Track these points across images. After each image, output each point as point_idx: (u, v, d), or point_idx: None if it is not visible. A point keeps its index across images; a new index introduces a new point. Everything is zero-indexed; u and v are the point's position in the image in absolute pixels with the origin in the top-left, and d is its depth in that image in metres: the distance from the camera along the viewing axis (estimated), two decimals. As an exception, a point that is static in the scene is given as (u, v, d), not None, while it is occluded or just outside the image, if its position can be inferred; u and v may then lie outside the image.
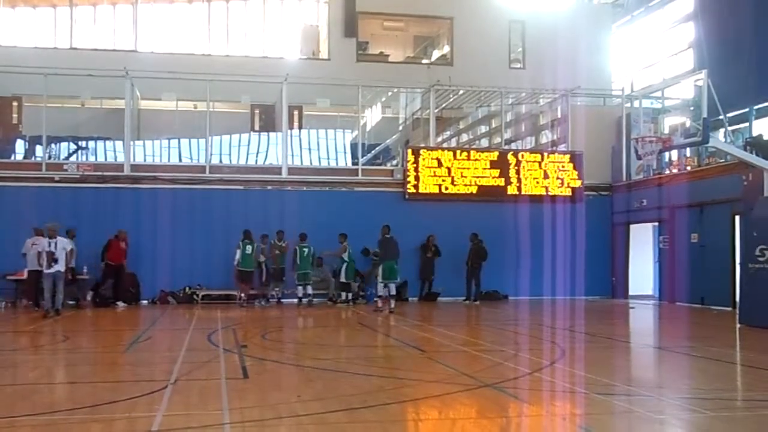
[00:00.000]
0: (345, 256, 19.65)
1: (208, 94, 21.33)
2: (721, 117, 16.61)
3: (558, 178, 22.14)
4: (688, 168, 20.87)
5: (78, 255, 18.29)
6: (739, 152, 16.29)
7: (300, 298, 19.56)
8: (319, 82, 22.76)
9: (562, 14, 26.47)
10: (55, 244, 16.03)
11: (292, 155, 23.02)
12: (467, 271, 20.77)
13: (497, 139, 25.03)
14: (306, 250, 19.53)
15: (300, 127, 25.33)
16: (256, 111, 25.62)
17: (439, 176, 21.51)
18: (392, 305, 17.65)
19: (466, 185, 21.60)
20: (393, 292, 17.92)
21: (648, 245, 22.04)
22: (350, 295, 19.93)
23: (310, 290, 19.64)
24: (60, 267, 15.99)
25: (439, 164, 21.56)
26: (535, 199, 21.72)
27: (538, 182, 22.00)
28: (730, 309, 17.05)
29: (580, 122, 22.85)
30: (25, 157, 23.00)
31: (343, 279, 19.74)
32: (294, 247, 19.56)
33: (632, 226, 22.32)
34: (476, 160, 21.90)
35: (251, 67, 22.57)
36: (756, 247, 14.00)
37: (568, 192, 22.13)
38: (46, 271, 15.92)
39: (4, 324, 15.52)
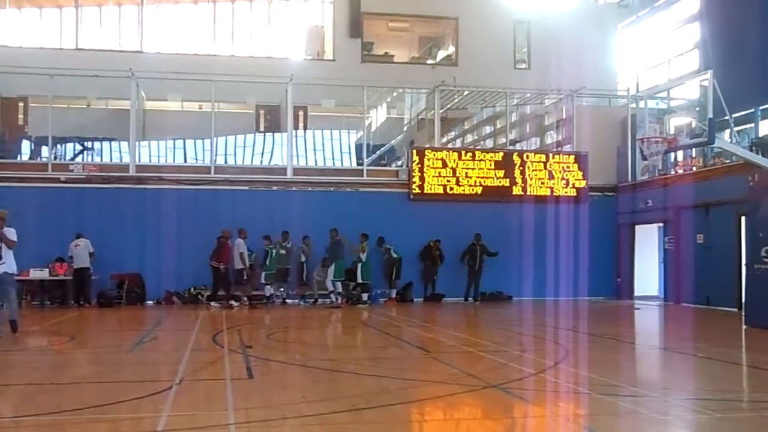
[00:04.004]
0: (363, 257, 19.65)
1: (213, 95, 21.35)
2: (726, 117, 16.53)
3: (563, 178, 22.11)
4: (694, 168, 20.81)
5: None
6: (744, 153, 16.22)
7: (268, 298, 19.70)
8: (324, 82, 22.82)
9: (567, 15, 26.45)
10: None
11: (297, 156, 23.06)
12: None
13: (502, 140, 25.00)
14: (274, 251, 19.64)
15: (305, 128, 25.39)
16: (261, 111, 25.69)
17: (444, 177, 21.50)
18: (338, 301, 19.16)
19: (470, 186, 21.59)
20: (339, 289, 19.31)
21: (653, 246, 21.99)
22: (366, 296, 19.79)
23: (274, 290, 19.73)
24: (8, 268, 12.21)
25: (444, 165, 21.55)
26: (540, 199, 21.70)
27: (543, 183, 21.97)
28: (735, 310, 17.00)
29: (585, 123, 22.80)
30: (30, 158, 23.07)
31: (359, 279, 19.72)
32: (264, 248, 19.71)
33: (637, 227, 22.27)
34: (481, 160, 21.89)
35: (256, 68, 22.61)
36: (762, 247, 13.95)
37: (573, 192, 22.10)
38: None
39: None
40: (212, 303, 18.89)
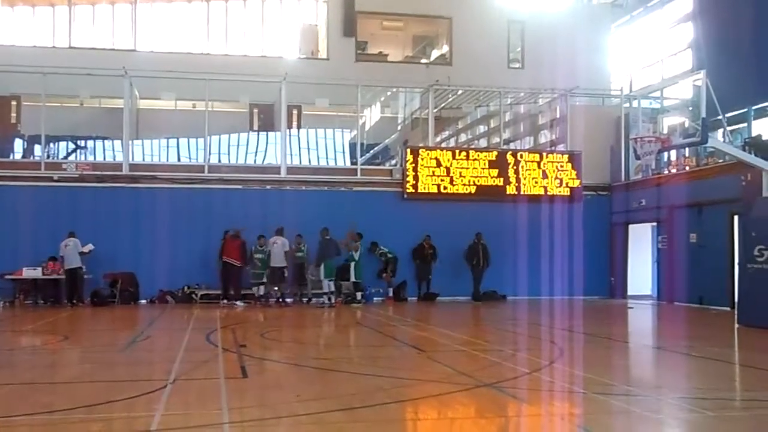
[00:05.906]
0: (356, 255, 19.63)
1: (207, 94, 21.31)
2: (719, 117, 16.60)
3: (557, 178, 22.14)
4: (687, 168, 20.87)
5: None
6: (737, 152, 16.29)
7: (261, 297, 19.67)
8: (318, 81, 22.80)
9: (561, 14, 26.47)
10: None
11: (291, 155, 23.02)
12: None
13: (496, 139, 25.05)
14: (260, 254, 19.60)
15: (299, 127, 25.32)
16: (255, 110, 25.60)
17: (438, 176, 21.50)
18: (332, 301, 19.15)
19: (464, 185, 21.61)
20: (332, 288, 19.32)
21: (647, 245, 22.03)
22: (360, 294, 19.75)
23: (262, 290, 19.71)
24: None
25: (438, 164, 21.56)
26: (534, 199, 21.72)
27: (536, 182, 22.00)
28: (728, 309, 17.04)
29: (578, 122, 22.85)
30: (23, 157, 22.99)
31: (353, 279, 19.70)
32: (257, 248, 19.59)
33: (631, 226, 22.33)
34: (475, 159, 21.90)
35: (250, 67, 22.57)
36: (754, 247, 14.00)
37: (566, 192, 22.13)
38: None
39: (3, 323, 15.51)
40: (238, 303, 19.17)
